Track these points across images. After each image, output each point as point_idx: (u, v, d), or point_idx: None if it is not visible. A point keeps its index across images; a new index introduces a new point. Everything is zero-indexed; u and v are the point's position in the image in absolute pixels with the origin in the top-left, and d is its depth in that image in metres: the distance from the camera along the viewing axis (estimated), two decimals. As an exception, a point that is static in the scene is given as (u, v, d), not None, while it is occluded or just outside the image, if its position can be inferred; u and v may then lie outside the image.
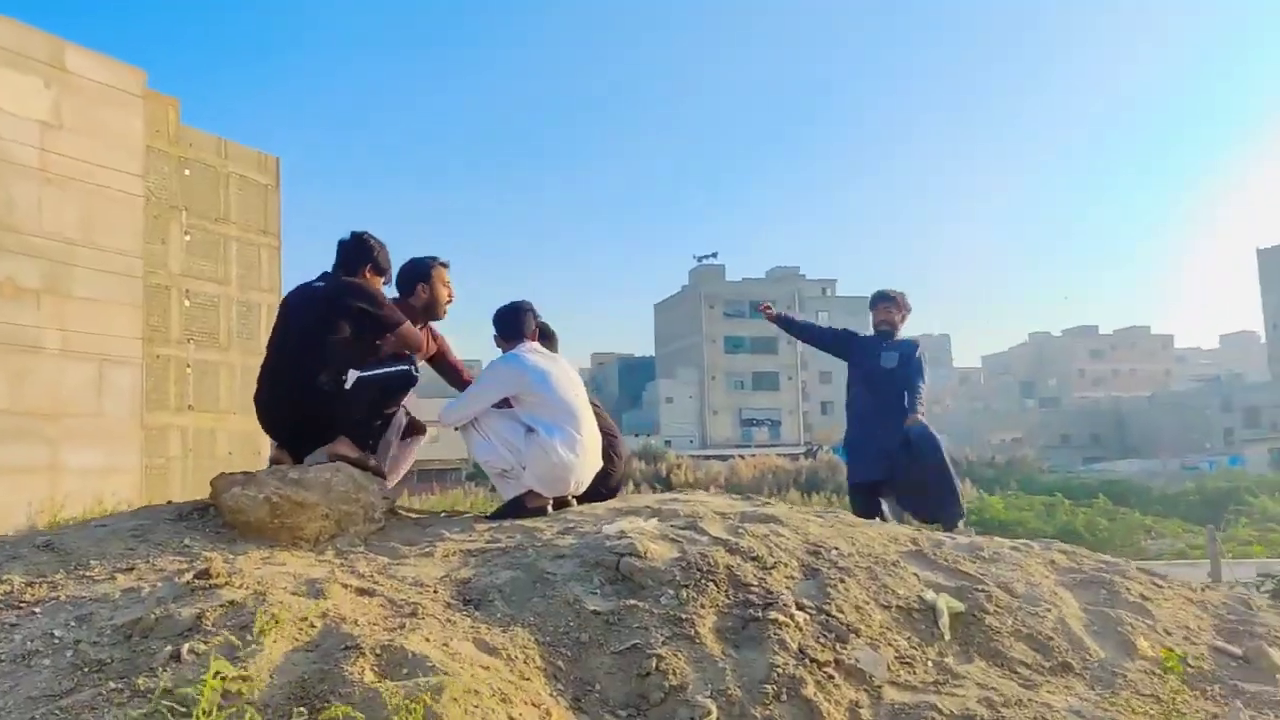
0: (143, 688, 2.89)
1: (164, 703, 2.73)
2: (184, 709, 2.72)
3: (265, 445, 9.34)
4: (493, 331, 5.59)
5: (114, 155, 10.65)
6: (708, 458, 54.71)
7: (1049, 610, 4.20)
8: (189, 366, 11.71)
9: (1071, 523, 30.61)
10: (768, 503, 5.30)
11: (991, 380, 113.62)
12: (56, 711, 2.86)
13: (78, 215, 9.94)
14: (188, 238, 11.56)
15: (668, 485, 35.95)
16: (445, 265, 5.60)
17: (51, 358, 9.61)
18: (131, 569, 3.85)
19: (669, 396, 76.99)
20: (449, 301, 5.60)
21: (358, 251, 5.22)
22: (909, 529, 5.23)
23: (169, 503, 5.18)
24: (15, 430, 9.25)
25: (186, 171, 11.61)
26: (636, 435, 62.84)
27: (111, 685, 2.95)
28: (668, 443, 63.60)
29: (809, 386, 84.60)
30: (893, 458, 6.80)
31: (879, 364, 7.13)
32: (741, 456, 50.19)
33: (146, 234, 10.86)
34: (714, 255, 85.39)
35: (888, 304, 7.22)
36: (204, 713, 2.56)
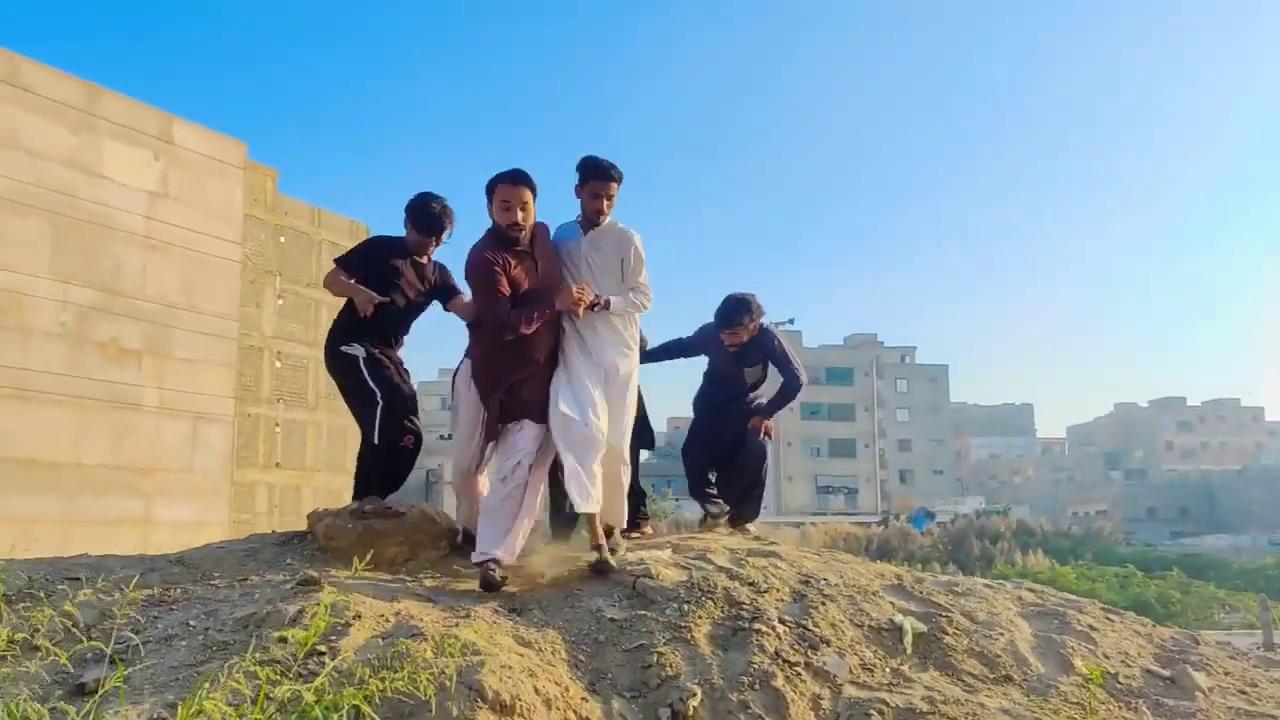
0: (260, 657, 3.83)
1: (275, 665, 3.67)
2: (297, 677, 3.66)
3: (347, 500, 10.23)
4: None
5: (215, 223, 11.77)
6: (781, 524, 54.99)
7: (1002, 634, 4.95)
8: (278, 425, 12.75)
9: (1144, 594, 30.52)
10: (774, 543, 6.11)
11: (1075, 451, 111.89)
12: (194, 674, 3.80)
13: (179, 280, 11.03)
14: (280, 301, 12.65)
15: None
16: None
17: (149, 415, 10.66)
18: (246, 579, 4.82)
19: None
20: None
21: None
22: (896, 568, 6.00)
23: (273, 532, 6.17)
24: (114, 483, 10.25)
25: (282, 239, 12.72)
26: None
27: (234, 658, 3.90)
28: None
29: (887, 455, 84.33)
30: (723, 447, 6.95)
31: (730, 365, 6.95)
32: (814, 524, 50.40)
33: (242, 298, 11.97)
34: (791, 321, 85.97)
35: (732, 330, 6.69)
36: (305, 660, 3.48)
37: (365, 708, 3.06)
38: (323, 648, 3.88)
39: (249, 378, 12.19)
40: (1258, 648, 11.99)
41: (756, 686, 4.13)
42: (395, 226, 5.85)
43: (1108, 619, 5.43)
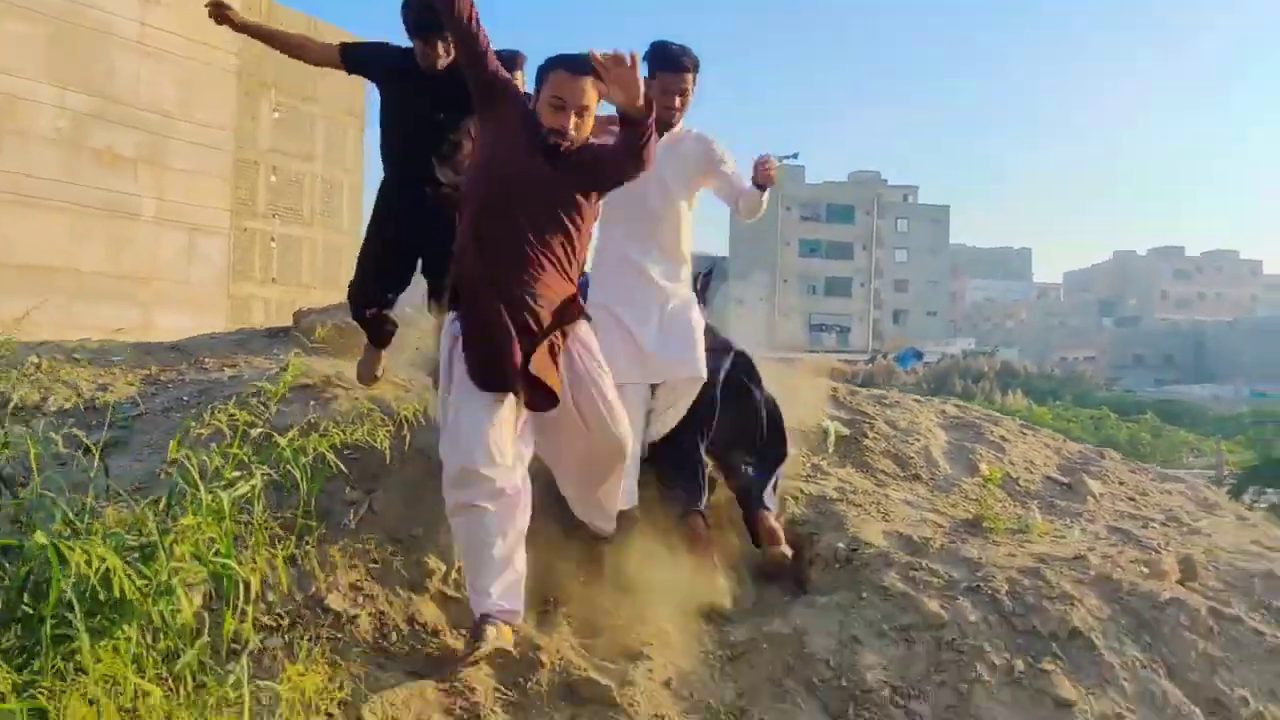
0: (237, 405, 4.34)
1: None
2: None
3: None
4: None
5: (210, 31, 11.76)
6: (771, 359, 55.80)
7: (919, 440, 5.48)
8: (273, 240, 13.07)
9: (1116, 436, 31.43)
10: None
11: (1071, 297, 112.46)
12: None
13: (175, 89, 11.14)
14: (276, 115, 12.79)
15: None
16: None
17: (147, 225, 10.97)
18: (235, 365, 5.31)
19: (740, 298, 77.86)
20: None
21: None
22: (835, 382, 6.50)
23: (261, 326, 6.65)
24: (111, 292, 10.63)
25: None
26: (705, 333, 63.89)
27: (226, 443, 4.40)
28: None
29: (882, 294, 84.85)
30: None
31: None
32: (801, 359, 51.22)
33: (238, 111, 12.13)
34: (795, 155, 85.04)
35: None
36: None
37: (330, 455, 3.54)
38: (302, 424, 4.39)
39: (244, 191, 12.42)
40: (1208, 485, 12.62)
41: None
42: (397, 39, 4.86)
43: (1022, 433, 5.96)
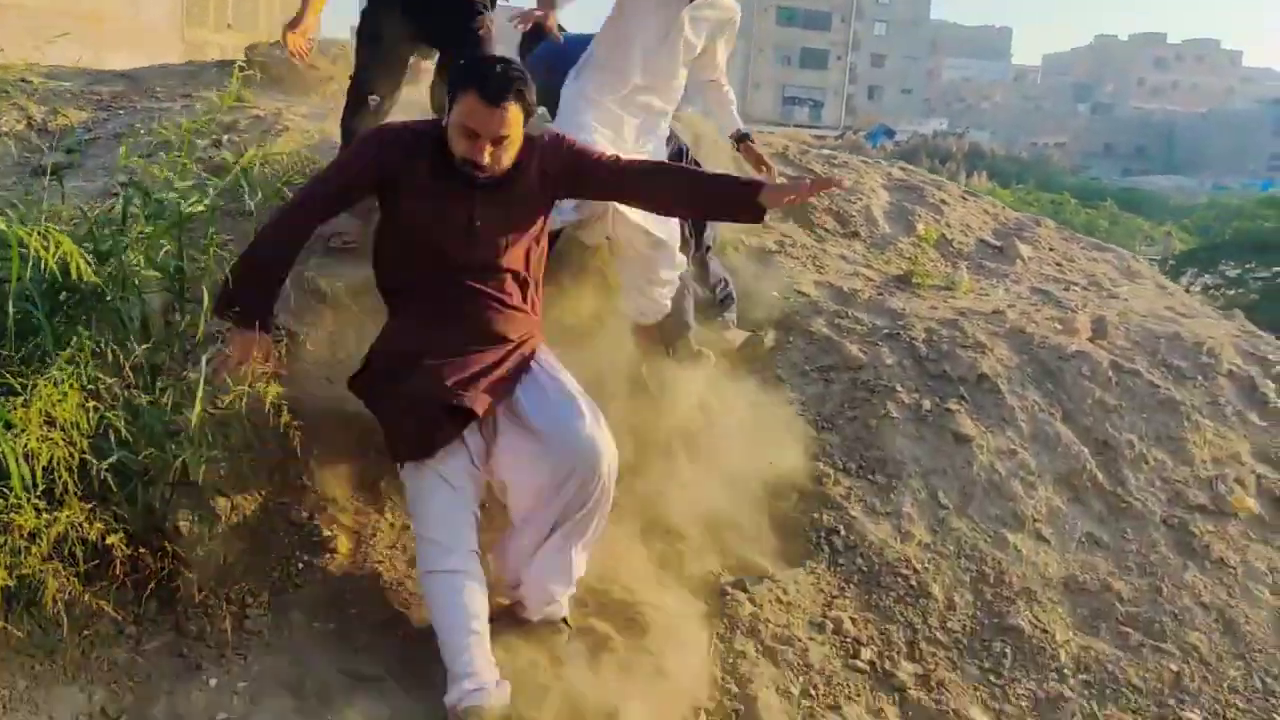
0: (199, 156, 4.41)
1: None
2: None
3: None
4: None
5: None
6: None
7: (861, 200, 5.63)
8: (229, -15, 12.65)
9: (1074, 221, 31.70)
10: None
11: (1049, 80, 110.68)
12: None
13: None
14: None
15: (694, 149, 36.93)
16: None
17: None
18: (188, 96, 5.31)
19: (713, 66, 75.82)
20: None
21: None
22: (788, 140, 6.59)
23: (214, 60, 6.58)
24: (59, 28, 10.33)
25: None
26: (675, 100, 62.69)
27: (178, 154, 4.46)
28: (706, 114, 63.72)
29: (858, 69, 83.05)
30: None
31: None
32: (771, 132, 50.61)
33: None
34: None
35: None
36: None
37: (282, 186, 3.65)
38: (252, 150, 4.46)
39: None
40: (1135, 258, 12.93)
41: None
42: None
43: (963, 198, 6.12)
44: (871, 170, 6.11)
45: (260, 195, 3.69)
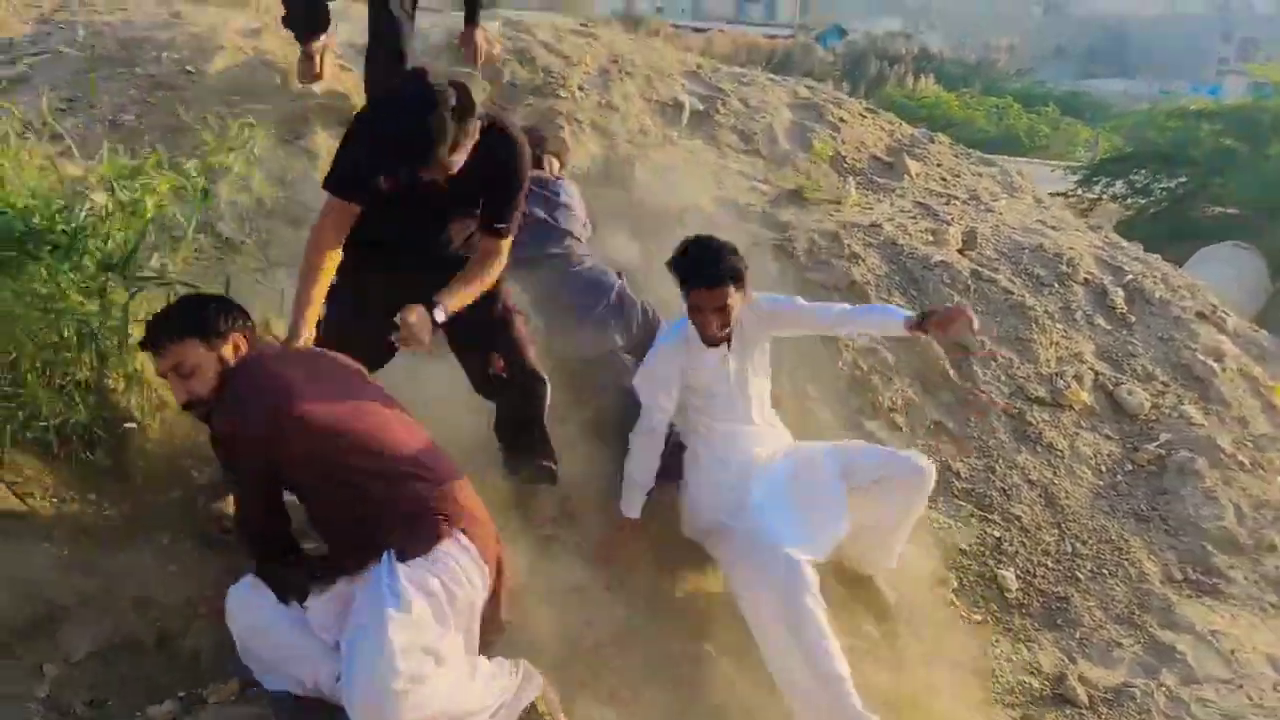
0: (139, 72, 4.75)
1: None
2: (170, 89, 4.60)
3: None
4: None
5: None
6: (695, 29, 54.65)
7: (765, 118, 6.06)
8: None
9: (1016, 126, 32.28)
10: (598, 26, 6.98)
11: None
12: (85, 78, 4.69)
13: None
14: None
15: (644, 48, 36.71)
16: None
17: None
18: (126, 8, 5.58)
19: (666, -39, 74.69)
20: None
21: None
22: (702, 59, 6.98)
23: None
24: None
25: None
26: (626, -3, 61.88)
27: (119, 70, 4.79)
28: (659, 9, 62.90)
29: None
30: None
31: None
32: (722, 30, 50.24)
33: None
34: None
35: None
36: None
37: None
38: (190, 68, 4.81)
39: None
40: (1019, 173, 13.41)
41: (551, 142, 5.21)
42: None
43: (862, 115, 6.56)
44: (777, 89, 6.52)
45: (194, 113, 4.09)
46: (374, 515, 2.59)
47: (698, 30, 52.05)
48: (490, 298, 3.19)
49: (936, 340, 3.51)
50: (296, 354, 2.80)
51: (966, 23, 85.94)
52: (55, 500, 3.10)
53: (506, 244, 3.11)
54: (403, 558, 2.52)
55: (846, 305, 3.54)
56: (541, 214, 4.12)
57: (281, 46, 5.26)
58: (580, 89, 5.61)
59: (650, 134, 5.58)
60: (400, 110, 2.81)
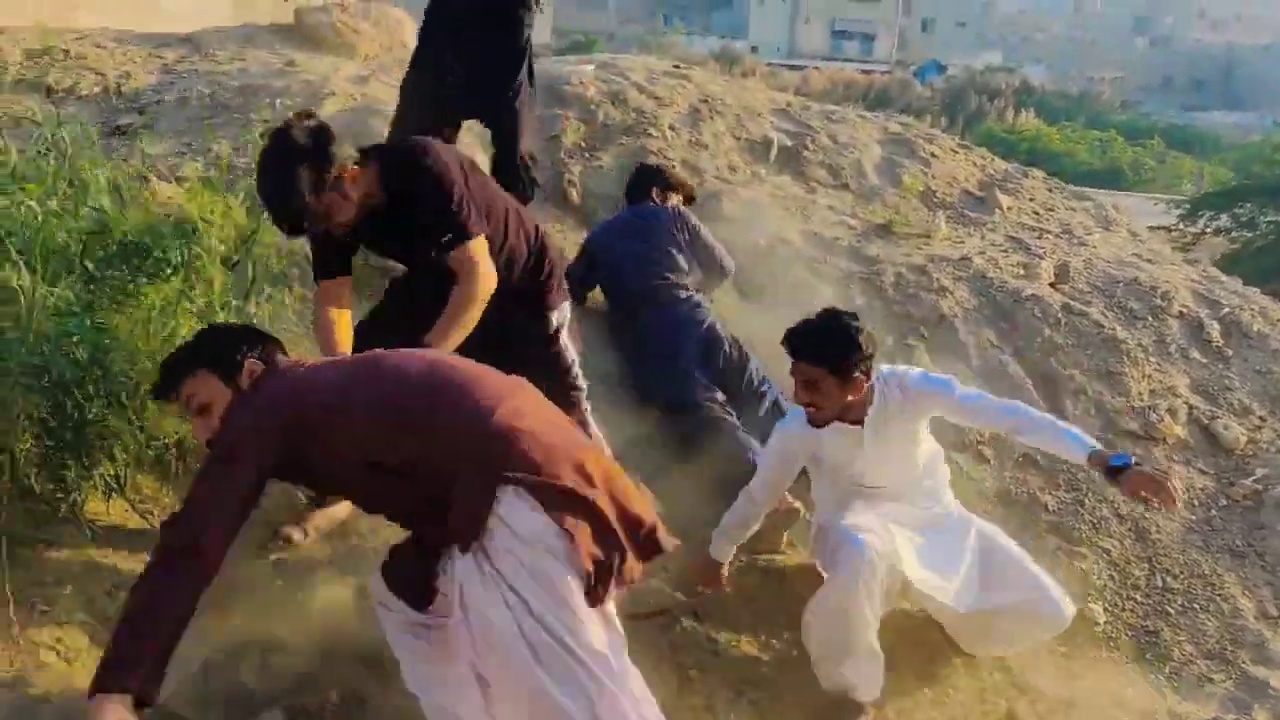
0: (254, 118, 5.02)
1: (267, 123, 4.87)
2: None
3: None
4: None
5: None
6: (790, 67, 54.87)
7: (854, 154, 6.13)
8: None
9: (1120, 160, 31.67)
10: (692, 68, 7.13)
11: (1108, 12, 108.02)
12: (202, 125, 4.98)
13: None
14: None
15: (739, 86, 37.00)
16: None
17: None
18: (243, 59, 5.91)
19: (761, -2, 75.18)
20: None
21: None
22: (792, 97, 7.08)
23: (270, 23, 7.17)
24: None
25: None
26: (721, 37, 62.49)
27: (235, 116, 5.08)
28: (754, 48, 63.40)
29: (913, 1, 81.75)
30: None
31: None
32: (817, 68, 50.38)
33: None
34: None
35: None
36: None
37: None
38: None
39: None
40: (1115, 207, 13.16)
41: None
42: None
43: (954, 150, 6.59)
44: (868, 125, 6.59)
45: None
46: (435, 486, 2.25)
47: (793, 68, 52.38)
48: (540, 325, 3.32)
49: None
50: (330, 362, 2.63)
51: (1070, 56, 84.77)
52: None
53: (471, 249, 2.87)
54: (464, 548, 2.19)
55: (1019, 405, 3.27)
56: (669, 248, 4.31)
57: (387, 93, 5.51)
58: (671, 128, 5.76)
59: (739, 170, 5.70)
60: (259, 174, 2.82)
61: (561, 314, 3.38)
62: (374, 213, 2.89)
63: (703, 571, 3.42)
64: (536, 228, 3.30)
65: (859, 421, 3.17)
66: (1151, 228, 8.65)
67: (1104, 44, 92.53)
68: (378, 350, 2.57)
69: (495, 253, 2.99)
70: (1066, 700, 3.43)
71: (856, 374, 3.08)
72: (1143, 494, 2.88)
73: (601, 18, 63.50)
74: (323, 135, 2.72)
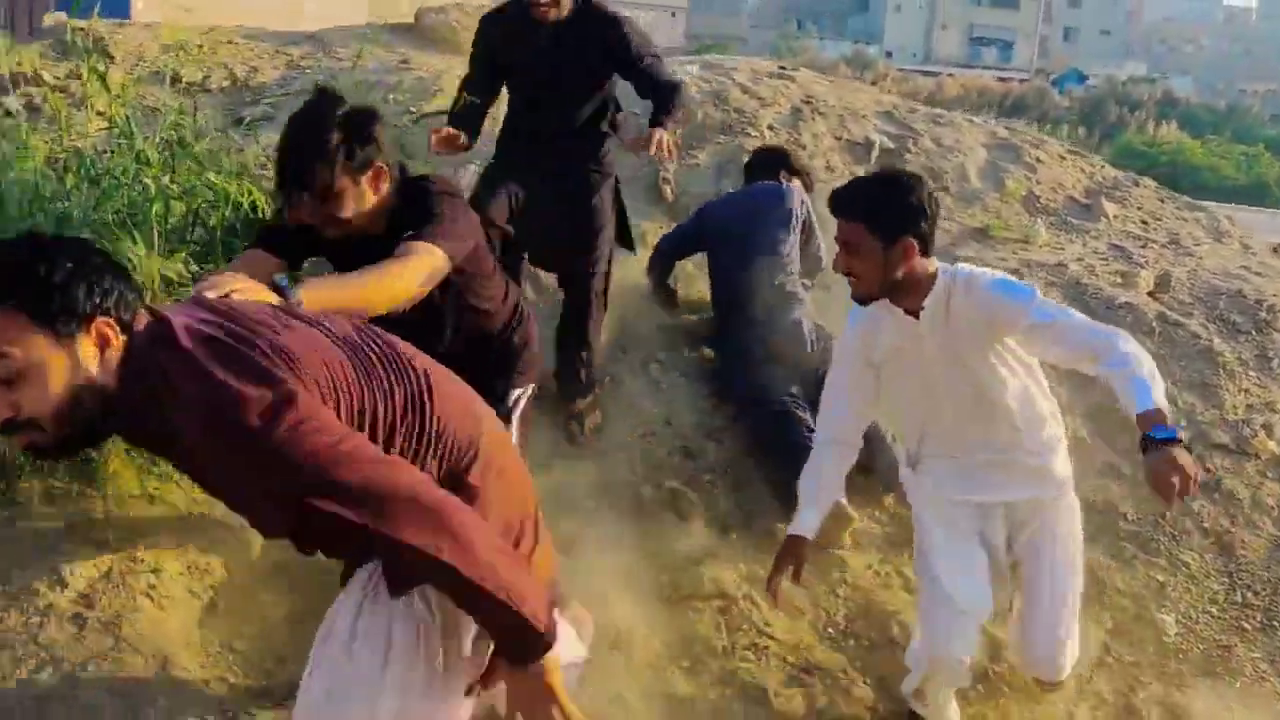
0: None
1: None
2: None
3: None
4: None
5: None
6: (924, 73, 54.06)
7: (958, 158, 6.10)
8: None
9: (1265, 176, 30.38)
10: (799, 69, 7.18)
11: (1265, 23, 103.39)
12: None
13: None
14: None
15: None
16: None
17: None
18: (363, 56, 6.19)
19: (898, 4, 74.22)
20: None
21: None
22: (897, 99, 7.06)
23: (386, 23, 7.48)
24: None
25: None
26: (855, 42, 61.93)
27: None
28: (889, 54, 62.69)
29: (1054, 8, 79.67)
30: None
31: None
32: (951, 75, 49.50)
33: None
34: None
35: None
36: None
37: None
38: (411, 108, 5.31)
39: None
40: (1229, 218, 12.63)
41: (730, 171, 5.44)
42: None
43: (1061, 156, 6.50)
44: (975, 130, 6.54)
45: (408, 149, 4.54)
46: None
47: (926, 74, 51.58)
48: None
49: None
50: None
51: (1219, 68, 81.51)
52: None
53: (419, 249, 2.39)
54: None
55: (1116, 334, 2.73)
56: (780, 233, 4.33)
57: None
58: (770, 127, 5.83)
59: (836, 171, 5.73)
60: (290, 124, 2.56)
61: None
62: (365, 237, 2.56)
63: (785, 552, 2.94)
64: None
65: (915, 313, 2.72)
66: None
67: (1257, 55, 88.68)
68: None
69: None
70: (1125, 707, 3.41)
71: (904, 238, 2.63)
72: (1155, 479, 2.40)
73: (734, 22, 63.56)
74: (373, 117, 2.52)
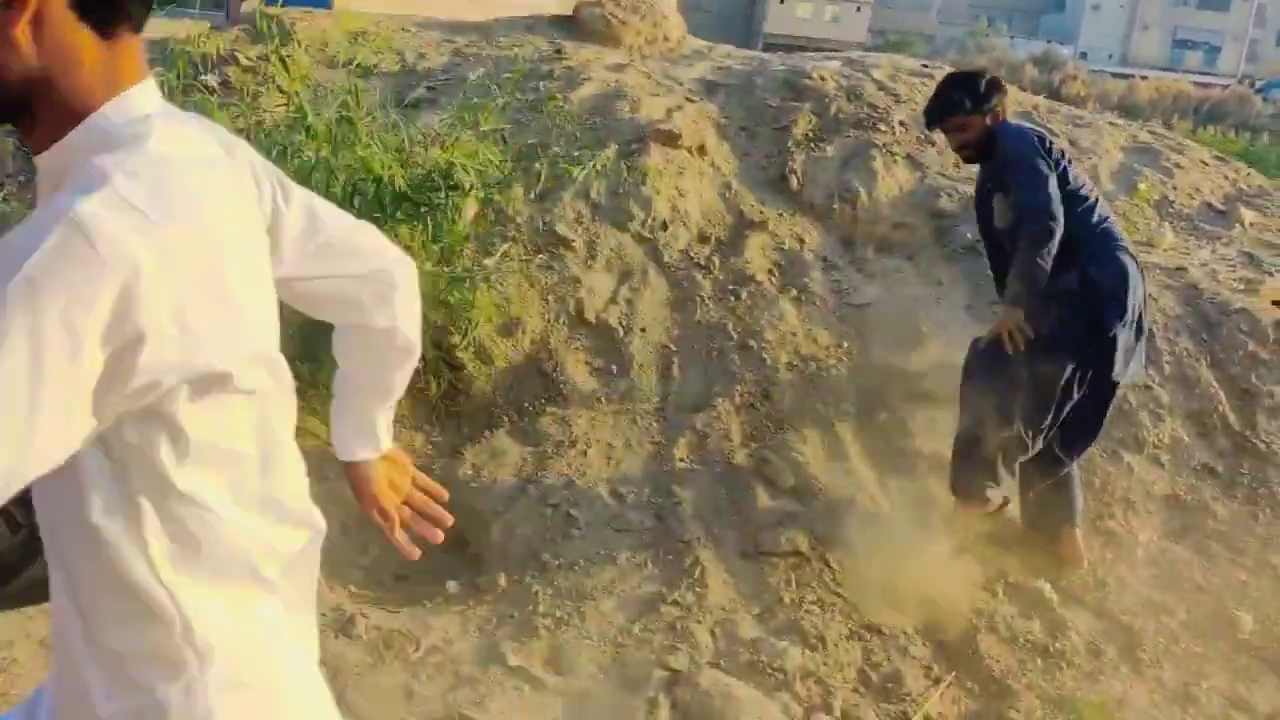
0: (519, 98, 5.71)
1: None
2: (540, 112, 5.53)
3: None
4: None
5: None
6: (1118, 75, 51.94)
7: (1092, 159, 6.13)
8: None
9: None
10: (941, 67, 7.27)
11: None
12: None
13: None
14: None
15: (1056, 97, 35.40)
16: None
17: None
18: (523, 44, 6.64)
19: (1096, 3, 71.35)
20: None
21: None
22: (1039, 99, 7.08)
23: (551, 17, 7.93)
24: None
25: None
26: (1048, 42, 59.92)
27: (502, 93, 5.79)
28: (1083, 55, 60.42)
29: (1267, 11, 75.12)
30: None
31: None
32: (1144, 77, 47.43)
33: None
34: None
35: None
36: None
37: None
38: (559, 95, 5.72)
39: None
40: None
41: (857, 165, 5.65)
42: None
43: (1204, 162, 6.43)
44: (1115, 132, 6.54)
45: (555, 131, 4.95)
46: None
47: (1120, 77, 49.55)
48: None
49: None
50: None
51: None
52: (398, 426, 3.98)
53: None
54: None
55: None
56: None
57: (637, 79, 6.08)
58: (901, 124, 5.99)
59: (963, 169, 5.85)
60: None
61: None
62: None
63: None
64: None
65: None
66: None
67: None
68: None
69: None
70: (1184, 694, 3.51)
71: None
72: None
73: (923, 19, 62.29)
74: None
